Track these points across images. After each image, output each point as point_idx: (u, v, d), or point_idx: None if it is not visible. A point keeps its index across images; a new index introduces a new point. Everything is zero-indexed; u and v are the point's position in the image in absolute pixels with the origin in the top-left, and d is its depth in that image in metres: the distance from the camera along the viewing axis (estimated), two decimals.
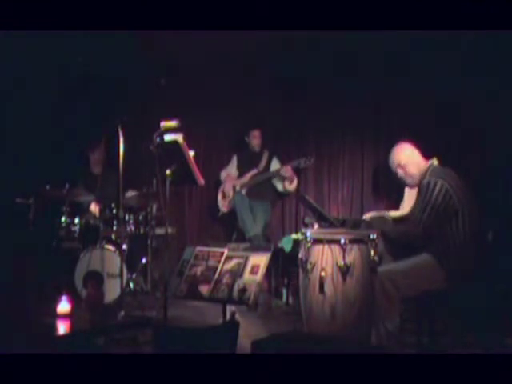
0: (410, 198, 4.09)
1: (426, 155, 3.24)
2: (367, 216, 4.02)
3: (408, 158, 3.21)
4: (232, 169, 5.45)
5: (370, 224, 3.65)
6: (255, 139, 5.35)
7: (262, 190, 5.24)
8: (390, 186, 5.04)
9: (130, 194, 4.63)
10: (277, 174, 5.17)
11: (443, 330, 3.25)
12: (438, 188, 2.98)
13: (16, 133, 4.88)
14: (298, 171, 5.14)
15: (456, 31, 3.11)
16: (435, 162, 3.20)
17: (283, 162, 5.26)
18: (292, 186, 5.17)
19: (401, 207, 4.25)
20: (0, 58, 4.61)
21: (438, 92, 4.64)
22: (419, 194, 3.10)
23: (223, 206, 5.35)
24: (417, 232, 3.03)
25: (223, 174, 5.46)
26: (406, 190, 4.22)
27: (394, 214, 4.10)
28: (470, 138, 4.60)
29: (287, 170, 5.03)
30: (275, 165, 5.32)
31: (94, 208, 4.71)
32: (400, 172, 3.26)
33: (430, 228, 2.98)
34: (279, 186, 5.26)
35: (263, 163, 5.33)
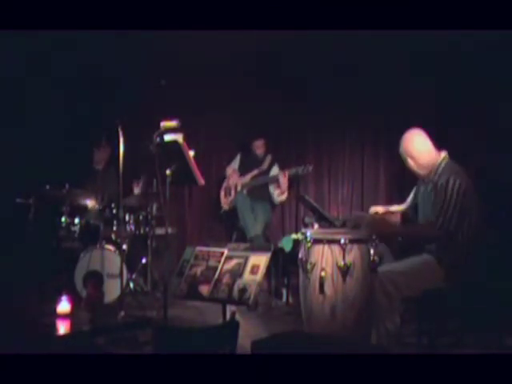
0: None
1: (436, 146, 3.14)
2: (373, 210, 3.98)
3: (419, 147, 3.09)
4: (235, 166, 5.45)
5: (373, 226, 3.61)
6: (259, 149, 5.34)
7: (263, 190, 5.24)
8: (390, 186, 5.05)
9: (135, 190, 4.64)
10: (274, 179, 5.13)
11: (443, 330, 3.24)
12: (456, 188, 2.90)
13: (16, 133, 4.88)
14: (296, 178, 5.09)
15: (456, 31, 3.10)
16: (447, 155, 3.11)
17: (283, 167, 5.25)
18: (281, 198, 5.15)
19: (409, 199, 4.18)
20: (0, 57, 4.61)
21: (439, 92, 4.64)
22: (433, 192, 3.04)
23: (225, 203, 5.35)
24: (438, 235, 2.95)
25: (229, 170, 5.47)
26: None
27: (398, 208, 4.06)
28: (470, 138, 4.60)
29: (283, 179, 4.98)
30: (275, 172, 5.30)
31: (93, 205, 4.69)
32: (410, 163, 3.14)
33: (454, 230, 2.93)
34: (273, 195, 5.21)
35: (265, 165, 5.33)
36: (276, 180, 5.08)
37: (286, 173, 4.99)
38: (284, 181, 4.99)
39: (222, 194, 5.40)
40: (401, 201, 4.28)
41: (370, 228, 3.22)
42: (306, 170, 4.92)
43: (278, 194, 5.14)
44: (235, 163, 5.47)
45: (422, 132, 3.17)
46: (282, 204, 5.50)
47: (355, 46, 4.88)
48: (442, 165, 3.06)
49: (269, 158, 5.36)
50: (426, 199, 3.15)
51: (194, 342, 2.22)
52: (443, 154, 3.12)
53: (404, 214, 3.55)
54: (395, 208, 4.08)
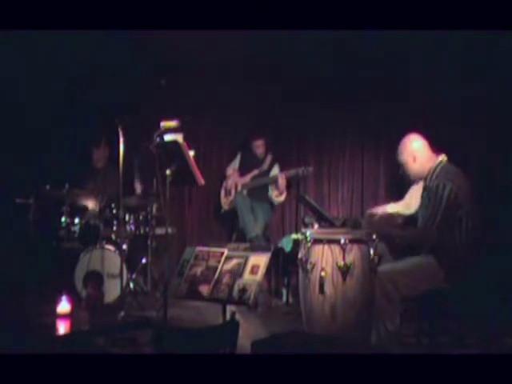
0: (416, 193, 4.07)
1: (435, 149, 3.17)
2: (373, 212, 3.98)
3: (415, 152, 3.13)
4: (235, 166, 5.45)
5: (371, 224, 3.62)
6: (258, 148, 5.34)
7: (263, 190, 5.23)
8: (390, 186, 5.04)
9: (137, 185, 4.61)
10: (273, 180, 5.15)
11: (443, 330, 3.25)
12: (447, 192, 2.94)
13: (16, 133, 4.88)
14: (296, 179, 5.10)
15: (456, 31, 3.10)
16: (444, 158, 3.13)
17: (283, 168, 5.26)
18: (280, 199, 5.16)
19: (407, 196, 4.20)
20: (0, 57, 4.61)
21: (439, 92, 4.63)
22: (428, 197, 3.06)
23: (225, 203, 5.35)
24: (429, 239, 3.00)
25: (229, 170, 5.47)
26: (414, 186, 4.18)
27: (397, 208, 4.08)
28: (470, 139, 4.59)
29: (282, 181, 5.00)
30: (275, 172, 5.30)
31: (93, 206, 4.69)
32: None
33: (442, 234, 2.96)
34: (271, 195, 5.25)
35: (265, 165, 5.33)
36: (275, 181, 5.08)
37: (284, 175, 4.99)
38: (282, 182, 4.99)
39: (222, 193, 5.39)
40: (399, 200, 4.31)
41: (369, 227, 3.24)
42: (307, 171, 4.93)
43: (276, 195, 5.14)
44: (235, 163, 5.46)
45: (418, 136, 3.19)
46: (282, 204, 5.50)
47: (355, 46, 4.88)
48: (438, 169, 3.08)
49: (269, 158, 5.36)
50: (422, 203, 3.18)
51: (194, 342, 2.22)
52: (440, 157, 3.13)
53: (406, 217, 3.57)
54: (393, 207, 4.09)
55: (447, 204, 2.94)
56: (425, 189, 3.16)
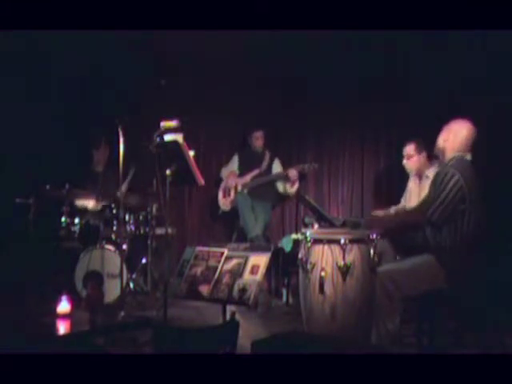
0: (414, 190, 4.08)
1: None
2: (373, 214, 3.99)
3: (454, 134, 3.11)
4: (233, 167, 5.45)
5: (371, 224, 3.63)
6: (258, 140, 5.35)
7: (263, 190, 5.24)
8: (390, 186, 5.04)
9: (124, 187, 4.57)
10: (282, 176, 5.18)
11: (443, 330, 3.24)
12: (452, 182, 2.93)
13: (16, 132, 4.88)
14: (300, 175, 5.14)
15: (456, 31, 3.10)
16: (468, 156, 3.11)
17: (284, 164, 5.28)
18: (293, 189, 5.20)
19: (402, 199, 4.23)
20: (0, 57, 4.62)
21: (439, 92, 4.63)
22: (434, 182, 3.07)
23: (224, 204, 5.35)
24: (424, 221, 3.00)
25: (224, 172, 5.46)
26: (411, 182, 4.19)
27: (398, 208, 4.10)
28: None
29: (293, 174, 5.06)
30: (277, 167, 5.32)
31: (94, 206, 4.69)
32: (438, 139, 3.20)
33: (437, 221, 2.96)
34: (281, 188, 5.27)
35: (265, 164, 5.33)
36: (283, 176, 5.11)
37: (295, 169, 5.04)
38: (293, 172, 5.04)
39: (221, 194, 5.39)
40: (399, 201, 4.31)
41: (368, 228, 3.26)
42: (312, 167, 4.99)
43: (289, 187, 5.19)
44: (232, 164, 5.46)
45: (469, 126, 3.14)
46: (282, 204, 5.51)
47: (356, 46, 4.88)
48: (453, 161, 3.07)
49: (268, 156, 5.36)
50: (430, 187, 3.17)
51: (194, 342, 2.23)
52: (464, 153, 3.11)
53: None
54: (394, 209, 4.10)
55: (449, 193, 2.93)
56: (436, 175, 3.15)
